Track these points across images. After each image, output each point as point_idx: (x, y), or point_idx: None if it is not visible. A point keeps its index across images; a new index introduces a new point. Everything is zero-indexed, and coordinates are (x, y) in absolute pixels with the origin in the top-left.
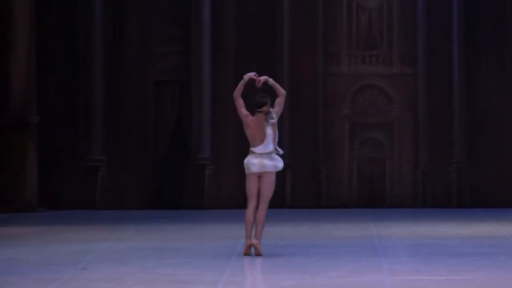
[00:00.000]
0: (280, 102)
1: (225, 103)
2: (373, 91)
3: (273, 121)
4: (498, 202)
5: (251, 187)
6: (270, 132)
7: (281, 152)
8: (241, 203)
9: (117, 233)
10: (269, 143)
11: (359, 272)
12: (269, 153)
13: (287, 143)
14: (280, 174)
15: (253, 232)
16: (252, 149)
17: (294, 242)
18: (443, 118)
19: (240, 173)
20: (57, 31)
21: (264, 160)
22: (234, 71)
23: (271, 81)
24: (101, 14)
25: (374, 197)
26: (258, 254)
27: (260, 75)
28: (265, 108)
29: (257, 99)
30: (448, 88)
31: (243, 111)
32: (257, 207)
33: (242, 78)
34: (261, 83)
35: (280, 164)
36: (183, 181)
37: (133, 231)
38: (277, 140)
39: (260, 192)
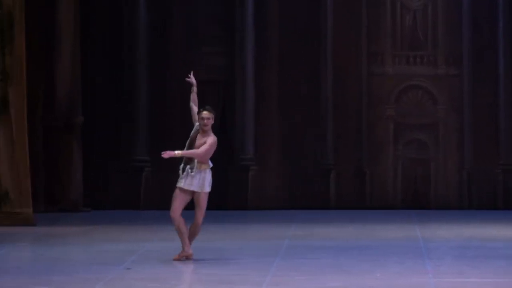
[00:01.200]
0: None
1: (269, 103)
2: (417, 92)
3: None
4: None
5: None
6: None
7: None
8: (285, 204)
9: (161, 233)
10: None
11: (404, 273)
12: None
13: (331, 144)
14: (324, 175)
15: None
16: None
17: (339, 243)
18: (488, 118)
19: (284, 174)
20: (102, 32)
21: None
22: (277, 71)
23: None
24: (145, 14)
25: (418, 198)
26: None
27: (304, 75)
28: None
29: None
30: (494, 88)
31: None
32: None
33: (286, 77)
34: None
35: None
36: (227, 182)
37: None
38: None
39: None
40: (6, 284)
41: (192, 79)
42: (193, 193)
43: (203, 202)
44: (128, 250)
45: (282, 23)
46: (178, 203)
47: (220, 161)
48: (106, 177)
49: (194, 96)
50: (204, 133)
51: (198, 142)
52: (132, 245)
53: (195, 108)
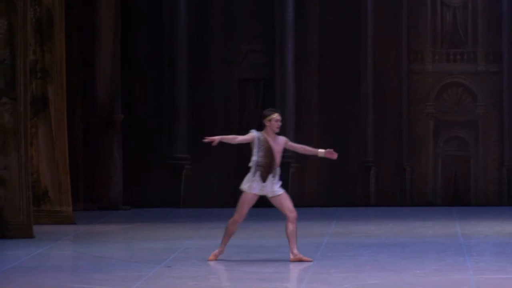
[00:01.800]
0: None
1: (309, 102)
2: (457, 89)
3: (272, 143)
4: None
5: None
6: (276, 149)
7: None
8: (325, 201)
9: (201, 230)
10: (275, 162)
11: (444, 270)
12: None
13: (372, 141)
14: (364, 172)
15: None
16: None
17: (379, 240)
18: None
19: (324, 172)
20: (142, 29)
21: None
22: (317, 69)
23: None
24: (185, 11)
25: (458, 195)
26: None
27: (344, 74)
28: (265, 121)
29: (264, 111)
30: None
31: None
32: None
33: (325, 75)
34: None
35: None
36: None
37: (217, 229)
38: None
39: None
40: (47, 283)
41: (211, 139)
42: (270, 198)
43: (287, 197)
44: (167, 248)
45: (322, 21)
46: (246, 209)
47: None
48: (145, 175)
49: (226, 138)
50: (273, 135)
51: (276, 146)
52: (172, 243)
53: (236, 138)
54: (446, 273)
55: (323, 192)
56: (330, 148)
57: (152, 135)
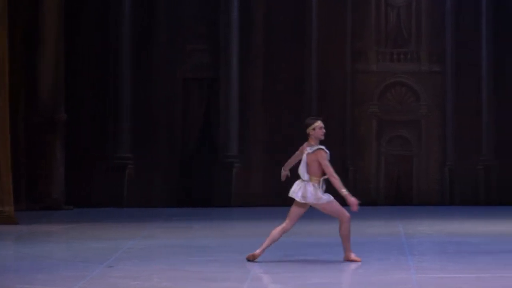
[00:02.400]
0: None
1: (253, 101)
2: (401, 89)
3: (306, 152)
4: None
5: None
6: (304, 158)
7: (322, 187)
8: (269, 201)
9: (144, 230)
10: (302, 171)
11: (387, 270)
12: (302, 181)
13: None
14: None
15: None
16: None
17: (323, 240)
18: (471, 115)
19: (268, 171)
20: (86, 30)
21: (297, 187)
22: (262, 69)
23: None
24: (130, 12)
25: (401, 194)
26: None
27: (289, 73)
28: (309, 130)
29: (307, 120)
30: (476, 86)
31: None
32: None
33: (271, 75)
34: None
35: (309, 197)
36: (211, 179)
37: (161, 229)
38: (322, 177)
39: None
40: None
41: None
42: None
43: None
44: (110, 248)
45: (267, 21)
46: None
47: (204, 158)
48: (88, 175)
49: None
50: (315, 143)
51: (308, 156)
52: (114, 243)
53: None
54: (389, 272)
55: (267, 192)
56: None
57: (95, 135)
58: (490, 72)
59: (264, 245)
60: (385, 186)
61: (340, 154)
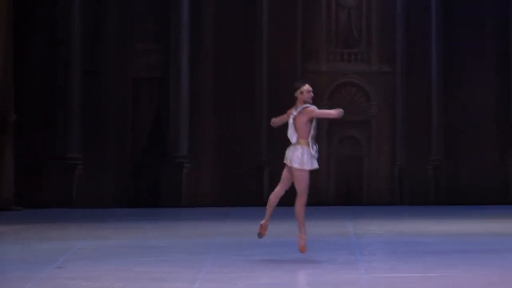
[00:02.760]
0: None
1: (204, 101)
2: (351, 89)
3: (292, 115)
4: (475, 200)
5: (283, 172)
6: (291, 122)
7: (314, 150)
8: (219, 201)
9: (94, 231)
10: (291, 134)
11: (337, 270)
12: (293, 145)
13: (266, 141)
14: (258, 172)
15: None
16: None
17: (272, 240)
18: (421, 116)
19: (218, 171)
20: (36, 29)
21: (289, 152)
22: (213, 68)
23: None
24: (80, 11)
25: (351, 194)
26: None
27: (239, 73)
28: (296, 93)
29: (295, 84)
30: (426, 86)
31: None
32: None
33: (221, 75)
34: None
35: (295, 163)
36: (161, 179)
37: (110, 229)
38: (310, 135)
39: None
40: None
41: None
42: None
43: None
44: (60, 248)
45: (217, 20)
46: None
47: (154, 158)
48: (38, 176)
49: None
50: (301, 105)
51: (298, 117)
52: (64, 243)
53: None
54: (339, 272)
55: (217, 192)
56: None
57: (45, 135)
58: (440, 72)
59: (267, 214)
60: (335, 186)
61: None
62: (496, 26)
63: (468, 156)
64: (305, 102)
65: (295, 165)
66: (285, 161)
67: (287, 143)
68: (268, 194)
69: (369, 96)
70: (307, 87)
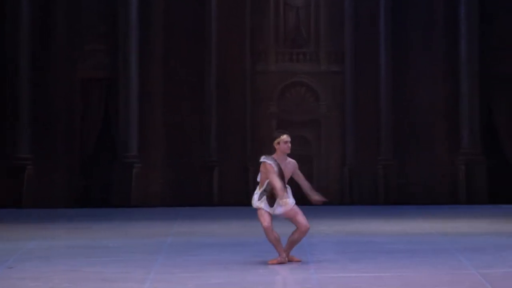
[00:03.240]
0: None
1: (153, 101)
2: (300, 89)
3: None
4: (424, 199)
5: None
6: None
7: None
8: (169, 201)
9: (44, 231)
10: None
11: (287, 269)
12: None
13: (216, 141)
14: (208, 172)
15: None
16: None
17: (222, 240)
18: (370, 115)
19: (168, 171)
20: None
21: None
22: (161, 69)
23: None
24: (28, 11)
25: (301, 194)
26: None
27: (189, 74)
28: (274, 143)
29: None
30: (375, 86)
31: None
32: None
33: (170, 75)
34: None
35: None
36: (111, 179)
37: (61, 229)
38: (264, 184)
39: None
40: None
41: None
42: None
43: (297, 210)
44: (10, 249)
45: (166, 21)
46: (268, 218)
47: (104, 158)
48: None
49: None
50: (284, 156)
51: (286, 169)
52: (14, 244)
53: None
54: (289, 272)
55: (167, 192)
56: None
57: None
58: (389, 72)
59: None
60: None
61: (240, 153)
62: (445, 26)
63: (418, 155)
64: (283, 153)
65: (253, 205)
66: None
67: (236, 143)
68: (218, 194)
69: (319, 96)
70: (284, 137)
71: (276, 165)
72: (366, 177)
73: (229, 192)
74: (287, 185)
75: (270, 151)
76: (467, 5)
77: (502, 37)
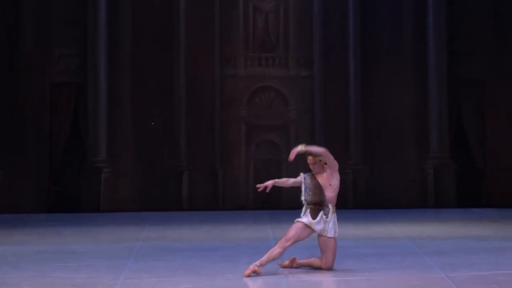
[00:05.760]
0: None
1: (122, 106)
2: (269, 93)
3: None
4: (393, 203)
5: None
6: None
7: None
8: (138, 205)
9: (13, 236)
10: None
11: (256, 274)
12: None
13: (185, 145)
14: (177, 176)
15: None
16: None
17: (192, 245)
18: (339, 120)
19: (138, 176)
20: None
21: None
22: (130, 74)
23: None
24: None
25: (270, 199)
26: None
27: (158, 78)
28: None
29: None
30: (344, 90)
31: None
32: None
33: (139, 80)
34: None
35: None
36: (80, 184)
37: (30, 235)
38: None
39: None
40: None
41: (264, 186)
42: (319, 235)
43: (334, 247)
44: None
45: (135, 26)
46: (295, 236)
47: (73, 163)
48: None
49: (278, 182)
50: (318, 174)
51: (321, 180)
52: None
53: (288, 180)
54: (258, 276)
55: (136, 196)
56: None
57: None
58: (358, 76)
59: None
60: (254, 190)
61: (209, 158)
62: (414, 30)
63: (386, 160)
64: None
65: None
66: (318, 231)
67: (205, 148)
68: (188, 199)
69: (288, 100)
70: (308, 160)
71: (311, 179)
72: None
73: (198, 197)
74: (327, 203)
75: (239, 155)
76: (435, 10)
77: (469, 41)
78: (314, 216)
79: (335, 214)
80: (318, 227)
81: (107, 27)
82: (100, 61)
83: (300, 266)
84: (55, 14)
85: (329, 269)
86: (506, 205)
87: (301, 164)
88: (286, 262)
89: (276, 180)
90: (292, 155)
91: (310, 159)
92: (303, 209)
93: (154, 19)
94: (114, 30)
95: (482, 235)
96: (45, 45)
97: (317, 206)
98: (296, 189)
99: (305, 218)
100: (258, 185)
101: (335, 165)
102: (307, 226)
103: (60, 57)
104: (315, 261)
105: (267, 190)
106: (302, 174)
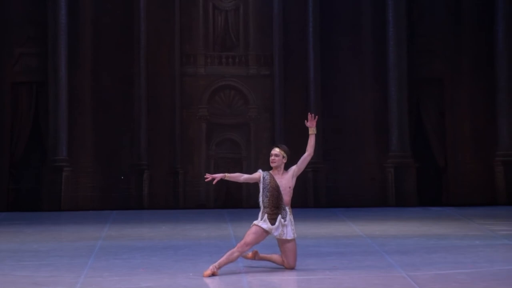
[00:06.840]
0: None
1: (82, 104)
2: (229, 92)
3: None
4: (353, 202)
5: None
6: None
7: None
8: (99, 204)
9: None
10: None
11: (218, 272)
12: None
13: (145, 144)
14: (138, 175)
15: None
16: None
17: (152, 243)
18: (299, 119)
19: (98, 175)
20: None
21: None
22: (91, 72)
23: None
24: None
25: (231, 197)
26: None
27: (118, 76)
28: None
29: None
30: (305, 89)
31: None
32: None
33: (99, 78)
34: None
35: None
36: (41, 183)
37: None
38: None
39: None
40: None
41: (213, 177)
42: (278, 238)
43: (295, 248)
44: None
45: (95, 24)
46: (254, 241)
47: (34, 162)
48: None
49: (230, 176)
50: (277, 170)
51: (284, 182)
52: None
53: (242, 176)
54: (220, 275)
55: (97, 195)
56: None
57: None
58: (317, 75)
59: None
60: (214, 189)
61: (169, 157)
62: (373, 29)
63: (347, 159)
64: (272, 166)
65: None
66: (277, 235)
67: (165, 147)
68: (148, 197)
69: (248, 99)
70: (272, 151)
71: (270, 180)
72: (296, 179)
73: (159, 196)
74: (284, 206)
75: (199, 154)
76: (394, 9)
77: (429, 40)
78: (272, 222)
79: (292, 215)
80: (277, 233)
81: (67, 26)
82: (61, 60)
83: (262, 260)
84: (14, 13)
85: (291, 269)
86: (467, 203)
87: (262, 163)
88: (249, 254)
89: (227, 174)
90: (312, 121)
91: (276, 150)
92: (260, 212)
93: (114, 18)
94: (74, 29)
95: (442, 233)
96: (5, 44)
97: (274, 210)
98: (256, 186)
99: (264, 224)
100: (206, 175)
101: (302, 170)
102: (265, 231)
103: (20, 56)
104: (277, 257)
105: (214, 182)
106: (261, 172)
